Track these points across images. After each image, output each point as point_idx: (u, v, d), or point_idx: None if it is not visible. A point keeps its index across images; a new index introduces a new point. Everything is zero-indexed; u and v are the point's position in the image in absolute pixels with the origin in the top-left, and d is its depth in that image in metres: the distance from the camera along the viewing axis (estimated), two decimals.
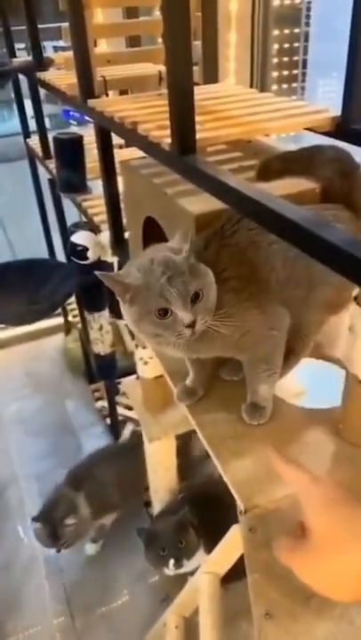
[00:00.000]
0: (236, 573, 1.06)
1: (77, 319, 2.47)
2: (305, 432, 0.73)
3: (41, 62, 1.64)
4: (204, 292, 0.60)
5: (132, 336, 2.19)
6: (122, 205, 1.25)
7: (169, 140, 0.76)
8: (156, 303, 0.59)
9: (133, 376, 1.41)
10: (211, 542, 1.39)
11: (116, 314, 2.19)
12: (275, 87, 1.88)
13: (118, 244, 1.31)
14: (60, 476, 1.87)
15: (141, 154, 0.94)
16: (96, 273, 0.60)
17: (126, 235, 1.23)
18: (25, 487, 2.06)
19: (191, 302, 0.59)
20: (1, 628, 1.61)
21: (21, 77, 2.03)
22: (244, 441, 0.71)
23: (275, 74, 1.86)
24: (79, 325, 2.42)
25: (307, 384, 0.91)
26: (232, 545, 1.01)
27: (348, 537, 0.45)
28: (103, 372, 2.03)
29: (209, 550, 1.40)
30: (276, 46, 1.81)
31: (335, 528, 0.46)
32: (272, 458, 0.54)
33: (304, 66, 1.91)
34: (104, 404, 2.33)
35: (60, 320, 2.81)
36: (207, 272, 0.62)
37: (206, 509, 1.47)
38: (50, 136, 1.83)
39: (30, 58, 1.71)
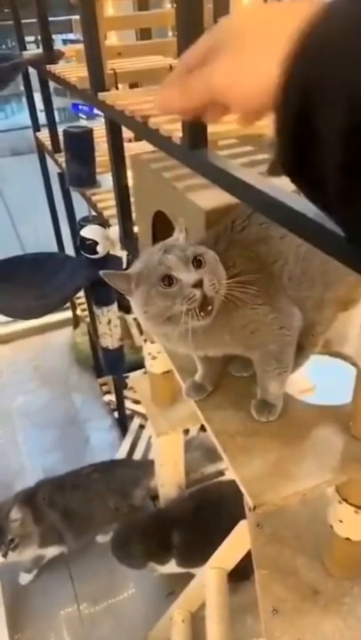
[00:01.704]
0: (244, 572, 1.07)
1: (86, 313, 2.47)
2: (314, 429, 0.72)
3: (51, 55, 1.64)
4: (205, 259, 0.60)
5: (141, 330, 2.19)
6: (131, 199, 1.25)
7: (180, 134, 0.76)
8: (157, 273, 0.59)
9: (141, 370, 1.41)
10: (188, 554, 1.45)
11: (125, 308, 2.19)
12: None
13: (128, 238, 1.31)
14: (66, 469, 1.88)
15: (151, 148, 0.94)
16: (100, 272, 0.60)
17: (136, 229, 1.23)
18: (32, 480, 2.06)
19: (195, 268, 0.59)
20: (8, 619, 1.62)
21: (32, 71, 2.02)
22: (253, 437, 0.71)
23: None
24: (87, 319, 2.42)
25: (316, 380, 0.90)
26: (239, 540, 1.01)
27: None
28: (111, 366, 2.03)
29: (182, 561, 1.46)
30: None
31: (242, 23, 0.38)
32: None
33: None
34: (112, 397, 2.34)
35: (68, 314, 2.82)
36: (207, 249, 0.62)
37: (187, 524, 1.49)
38: (59, 129, 1.83)
39: (40, 50, 1.71)
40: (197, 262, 0.59)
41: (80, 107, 2.18)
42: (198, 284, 0.58)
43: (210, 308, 0.59)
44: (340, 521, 0.76)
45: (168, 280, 0.58)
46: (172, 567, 1.50)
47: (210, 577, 1.11)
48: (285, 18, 0.33)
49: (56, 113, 2.05)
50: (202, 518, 1.48)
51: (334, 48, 0.29)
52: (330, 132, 0.30)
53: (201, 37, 0.42)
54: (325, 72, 0.29)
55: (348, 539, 0.78)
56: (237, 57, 0.37)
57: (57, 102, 2.15)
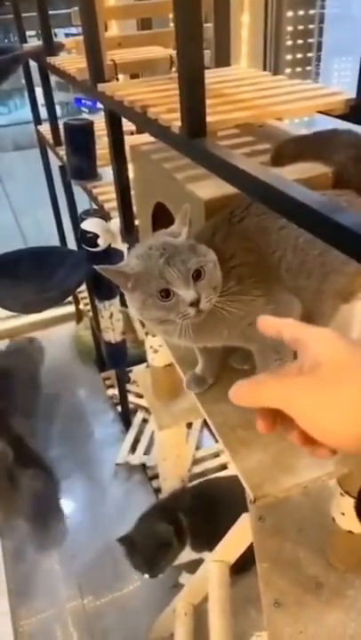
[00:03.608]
0: (244, 564, 1.07)
1: (88, 307, 2.47)
2: None
3: (51, 47, 1.63)
4: (205, 269, 0.59)
5: (143, 324, 2.18)
6: (132, 192, 1.24)
7: (179, 123, 0.75)
8: (156, 285, 0.58)
9: (144, 364, 1.41)
10: (200, 541, 1.43)
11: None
12: (288, 70, 1.85)
13: (128, 230, 1.30)
14: (70, 462, 1.88)
15: (152, 140, 0.93)
16: (96, 267, 0.60)
17: (137, 222, 1.22)
18: None
19: (193, 280, 0.58)
20: (14, 611, 1.63)
21: (33, 65, 2.01)
22: (253, 430, 0.70)
23: (288, 57, 1.82)
24: (90, 313, 2.42)
25: None
26: (242, 533, 1.01)
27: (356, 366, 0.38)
28: (114, 360, 2.03)
29: (197, 547, 1.44)
30: (290, 28, 1.77)
31: (345, 358, 0.39)
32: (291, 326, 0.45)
33: (319, 49, 1.87)
34: (115, 391, 2.33)
35: (71, 308, 2.81)
36: (208, 251, 0.61)
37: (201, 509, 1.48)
38: (61, 124, 1.82)
39: (40, 43, 1.69)
40: (197, 273, 0.59)
41: (83, 101, 2.17)
42: (195, 303, 0.58)
43: (201, 314, 0.60)
44: (343, 513, 0.76)
45: (166, 292, 0.58)
46: (188, 554, 1.49)
47: (212, 570, 1.11)
48: None
49: (59, 107, 2.04)
50: (201, 501, 1.48)
51: None
52: None
53: (305, 332, 0.42)
54: None
55: (350, 531, 0.77)
56: (338, 398, 0.37)
57: (60, 97, 2.14)
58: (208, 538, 1.39)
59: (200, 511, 1.46)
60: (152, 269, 0.59)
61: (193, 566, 1.41)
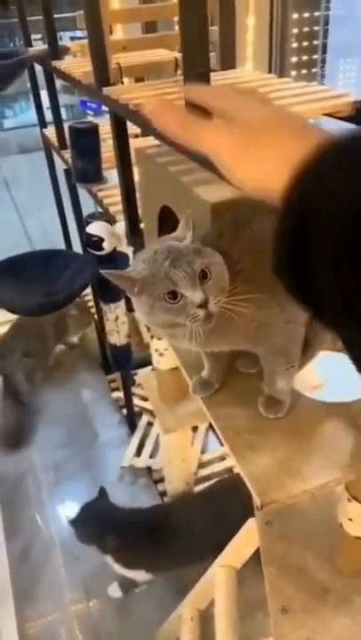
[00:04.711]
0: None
1: (93, 310, 2.47)
2: (323, 426, 0.71)
3: (56, 50, 1.63)
4: (212, 270, 0.59)
5: (148, 327, 2.18)
6: (137, 195, 1.24)
7: None
8: (163, 287, 0.58)
9: (149, 367, 1.41)
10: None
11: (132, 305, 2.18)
12: (294, 73, 1.85)
13: (134, 234, 1.30)
14: (76, 465, 1.88)
15: (157, 143, 0.93)
16: (102, 272, 0.59)
17: (142, 225, 1.22)
18: (42, 476, 2.08)
19: (200, 281, 0.58)
20: (19, 614, 1.63)
21: (38, 68, 2.02)
22: (260, 434, 0.70)
23: (294, 59, 1.82)
24: (95, 316, 2.42)
25: (324, 377, 0.89)
26: (248, 538, 1.01)
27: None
28: (119, 362, 2.03)
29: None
30: (295, 30, 1.77)
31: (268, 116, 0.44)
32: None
33: (324, 50, 1.87)
34: (120, 394, 2.33)
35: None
36: (214, 253, 0.61)
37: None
38: (66, 126, 1.82)
39: (45, 46, 1.70)
40: (203, 274, 0.58)
41: (88, 104, 2.18)
42: (204, 305, 0.57)
43: (211, 318, 0.59)
44: (350, 519, 0.75)
45: (173, 294, 0.58)
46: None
47: (218, 575, 1.11)
48: (297, 139, 0.39)
49: (64, 110, 2.05)
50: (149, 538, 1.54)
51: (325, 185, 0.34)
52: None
53: (224, 90, 0.47)
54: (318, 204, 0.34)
55: (358, 537, 0.77)
56: (252, 145, 0.42)
57: (65, 100, 2.14)
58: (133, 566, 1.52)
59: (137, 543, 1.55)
60: (158, 272, 0.58)
61: (198, 571, 1.40)
